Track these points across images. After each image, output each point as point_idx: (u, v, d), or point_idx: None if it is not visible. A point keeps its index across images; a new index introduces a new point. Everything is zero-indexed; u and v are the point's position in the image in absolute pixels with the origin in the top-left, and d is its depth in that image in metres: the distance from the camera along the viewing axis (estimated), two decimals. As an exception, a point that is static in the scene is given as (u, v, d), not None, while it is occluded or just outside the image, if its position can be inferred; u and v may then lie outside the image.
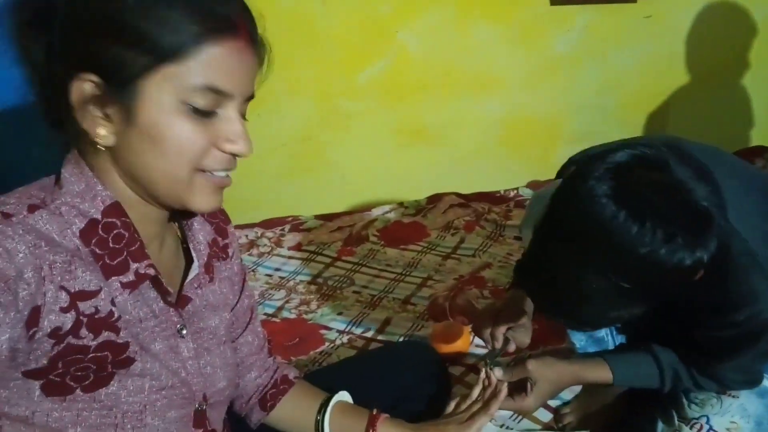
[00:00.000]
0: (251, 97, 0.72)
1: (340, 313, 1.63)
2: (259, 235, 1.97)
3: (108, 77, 0.64)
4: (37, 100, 0.71)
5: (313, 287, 1.75)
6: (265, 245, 1.93)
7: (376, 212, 2.07)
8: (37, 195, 0.69)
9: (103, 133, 0.66)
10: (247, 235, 1.97)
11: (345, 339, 1.54)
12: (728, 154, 1.22)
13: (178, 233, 0.84)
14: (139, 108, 0.65)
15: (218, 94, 0.66)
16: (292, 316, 1.62)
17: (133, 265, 0.71)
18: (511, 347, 1.15)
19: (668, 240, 0.79)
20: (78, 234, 0.68)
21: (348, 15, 2.15)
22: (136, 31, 0.63)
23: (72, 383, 0.67)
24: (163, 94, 0.64)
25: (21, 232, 0.63)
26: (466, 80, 2.33)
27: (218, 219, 0.90)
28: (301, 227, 2.02)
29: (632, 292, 0.84)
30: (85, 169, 0.70)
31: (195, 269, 0.81)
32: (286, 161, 2.29)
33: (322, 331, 1.57)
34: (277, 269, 1.83)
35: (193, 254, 0.82)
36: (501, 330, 1.15)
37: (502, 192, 2.16)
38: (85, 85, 0.65)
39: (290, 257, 1.87)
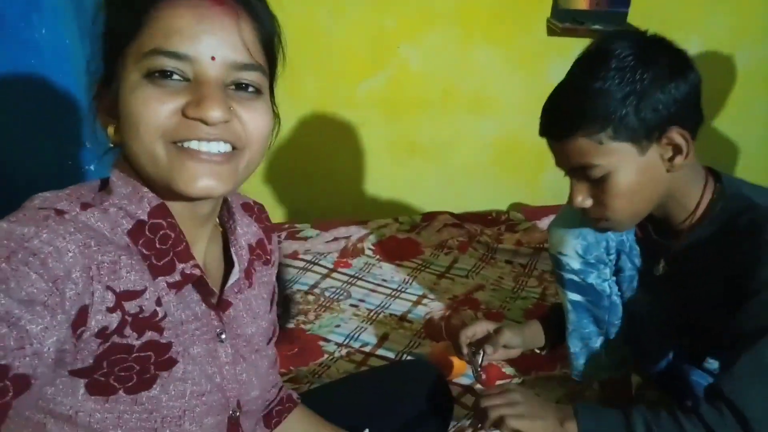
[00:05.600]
0: (248, 65, 0.68)
1: (338, 326, 1.65)
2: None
3: (104, 78, 0.70)
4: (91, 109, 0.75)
5: (310, 297, 1.77)
6: (262, 251, 1.94)
7: (371, 225, 2.10)
8: (87, 195, 0.70)
9: (110, 132, 0.70)
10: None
11: (344, 352, 1.57)
12: None
13: (220, 237, 0.84)
14: (119, 95, 0.67)
15: (173, 57, 0.65)
16: (291, 325, 1.65)
17: (179, 266, 0.71)
18: (478, 359, 1.24)
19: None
20: (126, 234, 0.69)
21: (353, 26, 2.18)
22: (108, 27, 0.68)
23: (115, 384, 0.67)
24: (130, 74, 0.65)
25: (72, 230, 0.63)
26: (463, 99, 2.37)
27: (265, 223, 0.91)
28: (297, 235, 2.03)
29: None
30: (131, 171, 0.71)
31: (235, 274, 0.81)
32: (283, 167, 2.31)
33: (321, 343, 1.59)
34: (274, 276, 1.84)
35: (234, 259, 0.82)
36: (463, 338, 1.28)
37: (494, 214, 2.21)
38: (99, 89, 0.70)
39: (288, 265, 1.89)
